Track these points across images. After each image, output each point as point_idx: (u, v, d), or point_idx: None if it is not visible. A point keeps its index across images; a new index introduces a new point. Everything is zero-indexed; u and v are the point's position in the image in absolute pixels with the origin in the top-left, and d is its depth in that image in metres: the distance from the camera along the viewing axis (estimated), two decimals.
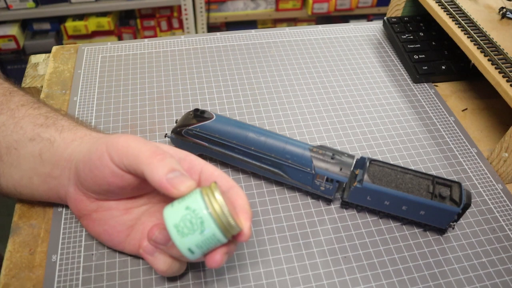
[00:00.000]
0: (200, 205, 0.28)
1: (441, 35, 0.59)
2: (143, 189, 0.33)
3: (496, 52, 0.47)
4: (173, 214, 0.28)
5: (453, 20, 0.52)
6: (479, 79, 0.56)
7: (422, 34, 0.59)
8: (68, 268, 0.35)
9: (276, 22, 1.84)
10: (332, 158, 0.38)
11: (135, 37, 1.71)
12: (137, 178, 0.30)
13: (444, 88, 0.56)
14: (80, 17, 1.61)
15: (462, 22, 0.51)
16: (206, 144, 0.41)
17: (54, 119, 0.36)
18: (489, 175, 0.45)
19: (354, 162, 0.39)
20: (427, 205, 0.36)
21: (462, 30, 0.51)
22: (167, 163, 0.28)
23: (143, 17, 1.69)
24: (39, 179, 0.34)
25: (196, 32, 1.73)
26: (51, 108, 0.38)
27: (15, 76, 1.68)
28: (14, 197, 0.38)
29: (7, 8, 1.47)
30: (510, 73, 0.44)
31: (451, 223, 0.38)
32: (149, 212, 0.34)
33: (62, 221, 0.38)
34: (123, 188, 0.31)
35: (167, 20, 1.70)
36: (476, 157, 0.47)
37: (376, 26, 0.66)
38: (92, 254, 0.36)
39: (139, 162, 0.28)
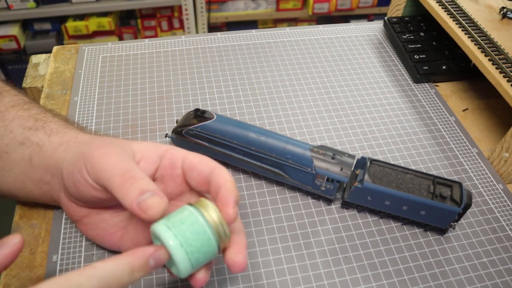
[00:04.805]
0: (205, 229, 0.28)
1: (442, 35, 0.59)
2: None
3: (497, 52, 0.47)
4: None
5: (453, 20, 0.52)
6: (479, 79, 0.56)
7: (423, 34, 0.59)
8: (68, 268, 0.35)
9: (276, 22, 1.84)
10: (333, 158, 0.38)
11: (135, 37, 1.71)
12: None
13: (445, 88, 0.56)
14: (81, 17, 1.61)
15: (463, 22, 0.51)
16: (207, 144, 0.41)
17: (44, 122, 0.35)
18: (489, 175, 0.45)
19: (355, 162, 0.39)
20: (427, 205, 0.36)
21: (462, 30, 0.51)
22: (138, 187, 0.27)
23: (144, 17, 1.69)
24: (32, 183, 0.34)
25: (197, 32, 1.73)
26: (41, 109, 0.37)
27: (16, 76, 1.68)
28: (11, 199, 0.38)
29: (8, 8, 1.47)
30: (510, 73, 0.44)
31: (452, 223, 0.38)
32: None
33: (63, 221, 0.38)
34: (108, 200, 0.31)
35: (167, 20, 1.70)
36: (477, 157, 0.47)
37: (377, 26, 0.66)
38: (93, 254, 0.36)
39: (111, 188, 0.28)
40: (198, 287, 0.29)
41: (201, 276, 0.29)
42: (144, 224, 0.32)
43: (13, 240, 0.25)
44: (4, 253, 0.25)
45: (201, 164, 0.31)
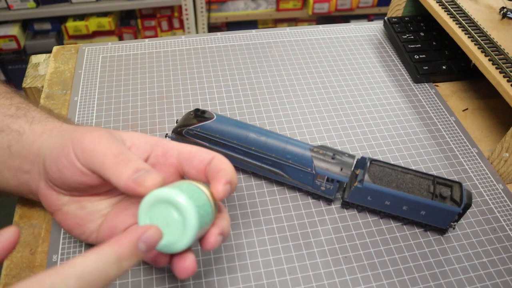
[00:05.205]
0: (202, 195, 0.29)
1: (442, 35, 0.59)
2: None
3: (497, 52, 0.47)
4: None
5: (453, 20, 0.52)
6: (479, 79, 0.56)
7: (423, 34, 0.59)
8: None
9: (276, 22, 1.84)
10: (333, 158, 0.38)
11: (135, 37, 1.71)
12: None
13: (445, 88, 0.56)
14: (81, 17, 1.61)
15: (463, 22, 0.51)
16: (207, 144, 0.41)
17: (26, 110, 0.34)
18: (489, 175, 0.45)
19: (355, 162, 0.39)
20: (427, 205, 0.36)
21: (462, 30, 0.51)
22: (132, 166, 0.28)
23: (144, 17, 1.69)
24: (9, 172, 0.33)
25: (197, 32, 1.73)
26: (24, 99, 0.36)
27: (16, 76, 1.68)
28: None
29: (8, 8, 1.47)
30: (510, 73, 0.44)
31: (452, 223, 0.38)
32: (124, 200, 0.33)
33: None
34: (94, 187, 0.31)
35: (167, 20, 1.70)
36: (477, 157, 0.47)
37: (377, 26, 0.66)
38: None
39: (104, 169, 0.28)
40: (187, 275, 0.28)
41: (190, 261, 0.28)
42: (125, 210, 0.32)
43: (8, 233, 0.24)
44: None
45: (201, 152, 0.31)
